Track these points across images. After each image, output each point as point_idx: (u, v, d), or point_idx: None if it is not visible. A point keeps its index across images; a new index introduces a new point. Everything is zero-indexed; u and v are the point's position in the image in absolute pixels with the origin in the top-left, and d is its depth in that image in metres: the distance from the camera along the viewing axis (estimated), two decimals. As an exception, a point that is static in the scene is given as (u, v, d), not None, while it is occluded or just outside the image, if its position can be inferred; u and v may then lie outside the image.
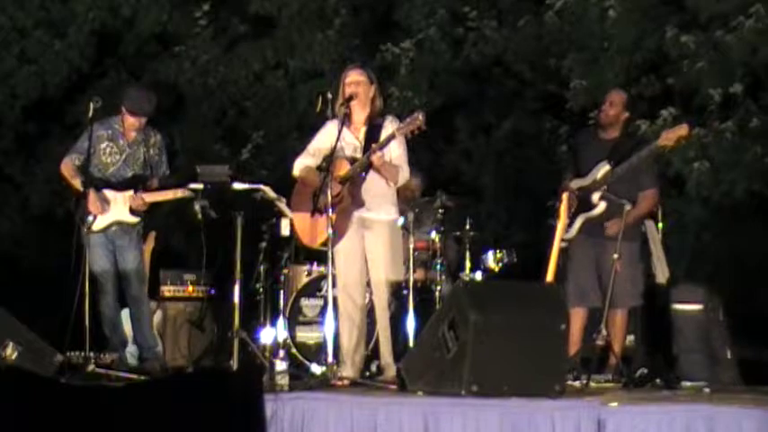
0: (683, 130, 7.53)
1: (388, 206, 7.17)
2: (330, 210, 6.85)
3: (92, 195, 7.72)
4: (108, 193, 7.81)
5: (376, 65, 10.75)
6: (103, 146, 7.88)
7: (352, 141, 7.14)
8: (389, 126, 7.10)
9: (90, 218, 7.73)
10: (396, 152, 7.10)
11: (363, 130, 7.16)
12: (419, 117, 6.92)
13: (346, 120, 7.09)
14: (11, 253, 11.32)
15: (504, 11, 10.71)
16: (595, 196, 7.66)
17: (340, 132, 6.99)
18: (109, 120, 7.96)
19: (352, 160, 7.07)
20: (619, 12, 9.89)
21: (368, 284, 7.26)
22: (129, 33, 11.33)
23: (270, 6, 10.95)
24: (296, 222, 7.35)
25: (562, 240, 7.67)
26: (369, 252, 7.12)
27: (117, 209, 7.81)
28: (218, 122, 11.15)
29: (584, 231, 7.71)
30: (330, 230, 6.88)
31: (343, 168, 7.06)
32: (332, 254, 6.95)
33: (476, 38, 10.54)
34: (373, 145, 6.98)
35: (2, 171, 11.32)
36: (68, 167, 7.85)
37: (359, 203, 7.05)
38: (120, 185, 7.84)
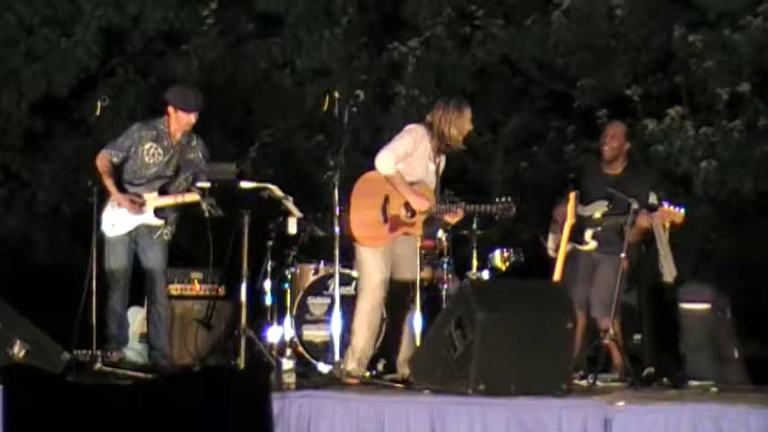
0: (678, 217, 7.50)
1: None
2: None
3: (127, 201, 7.73)
4: (144, 195, 7.81)
5: (383, 63, 10.77)
6: (147, 146, 7.85)
7: (432, 167, 7.37)
8: (442, 162, 7.45)
9: (111, 224, 7.74)
10: None
11: (440, 159, 7.42)
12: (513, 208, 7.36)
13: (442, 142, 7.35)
14: (18, 250, 11.32)
15: (511, 9, 10.69)
16: (588, 234, 7.75)
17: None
18: (153, 121, 7.95)
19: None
20: (626, 11, 9.89)
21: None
22: (135, 31, 11.31)
23: (277, 4, 10.93)
24: (356, 217, 7.28)
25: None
26: (403, 253, 7.27)
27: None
28: (224, 121, 11.11)
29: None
30: (337, 228, 7.05)
31: (426, 204, 7.25)
32: (366, 255, 7.18)
33: (483, 36, 10.52)
34: (465, 207, 7.36)
35: (9, 168, 11.29)
36: (105, 163, 7.78)
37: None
38: (150, 187, 7.83)
